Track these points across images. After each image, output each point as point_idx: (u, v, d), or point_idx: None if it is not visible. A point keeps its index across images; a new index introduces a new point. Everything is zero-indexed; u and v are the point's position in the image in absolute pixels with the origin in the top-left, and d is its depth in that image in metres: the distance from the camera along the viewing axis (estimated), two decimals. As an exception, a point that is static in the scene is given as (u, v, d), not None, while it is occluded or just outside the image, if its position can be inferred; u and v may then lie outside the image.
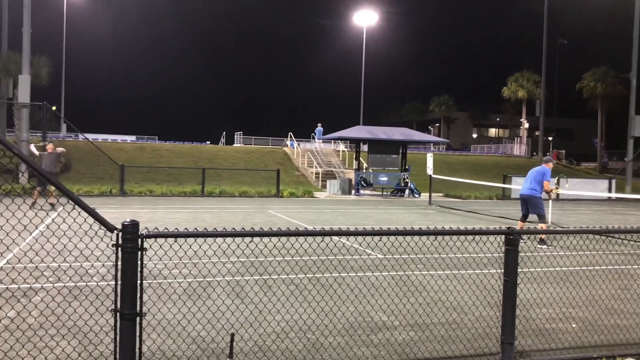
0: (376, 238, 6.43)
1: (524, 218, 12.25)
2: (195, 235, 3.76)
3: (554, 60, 57.64)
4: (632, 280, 7.90)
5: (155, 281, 7.15)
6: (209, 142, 47.31)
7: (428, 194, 24.41)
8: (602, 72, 53.51)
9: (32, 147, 19.07)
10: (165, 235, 3.68)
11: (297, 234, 4.15)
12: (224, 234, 3.83)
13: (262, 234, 4.03)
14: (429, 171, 23.90)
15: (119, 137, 47.13)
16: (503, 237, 4.58)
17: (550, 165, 12.14)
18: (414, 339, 5.17)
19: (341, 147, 39.59)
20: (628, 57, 35.61)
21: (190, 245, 4.85)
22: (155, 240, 3.80)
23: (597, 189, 29.61)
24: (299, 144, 38.77)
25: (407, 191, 28.72)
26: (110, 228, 3.58)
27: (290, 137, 40.01)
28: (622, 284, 7.41)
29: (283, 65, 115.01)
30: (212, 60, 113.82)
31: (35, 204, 14.89)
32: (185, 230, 3.77)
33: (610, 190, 29.59)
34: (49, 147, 17.00)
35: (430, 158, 24.42)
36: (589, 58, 67.35)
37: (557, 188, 13.38)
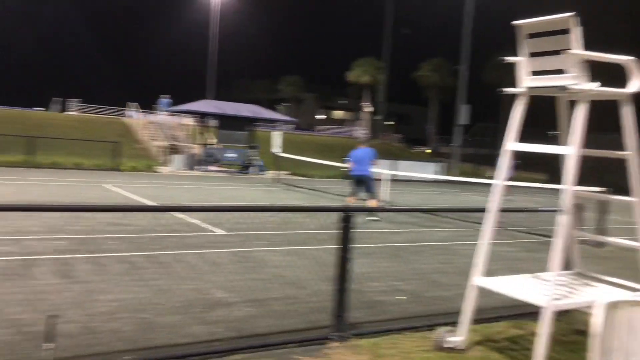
0: (220, 215, 6.38)
1: (354, 194, 13.12)
2: (8, 209, 3.39)
3: (396, 49, 61.04)
4: (454, 255, 8.65)
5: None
6: (40, 109, 43.33)
7: (275, 172, 24.69)
8: (438, 63, 57.80)
9: None
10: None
11: (135, 209, 3.93)
12: (46, 208, 3.50)
13: (94, 209, 3.76)
14: (276, 149, 24.14)
15: None
16: (339, 214, 4.74)
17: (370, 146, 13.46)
18: (251, 314, 5.19)
19: (188, 120, 38.41)
20: (460, 51, 38.74)
21: (10, 220, 4.39)
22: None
23: (429, 171, 32.06)
24: (142, 116, 36.94)
25: (254, 168, 28.79)
26: None
27: (134, 107, 37.96)
28: (446, 259, 8.08)
29: (130, 32, 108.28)
30: (49, 22, 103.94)
31: None
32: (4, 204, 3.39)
33: (439, 173, 32.22)
34: None
35: (277, 136, 24.66)
36: (428, 48, 72.22)
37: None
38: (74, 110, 43.46)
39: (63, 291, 4.98)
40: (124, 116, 39.59)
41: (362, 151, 13.09)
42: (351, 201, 12.92)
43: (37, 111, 39.61)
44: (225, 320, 5.02)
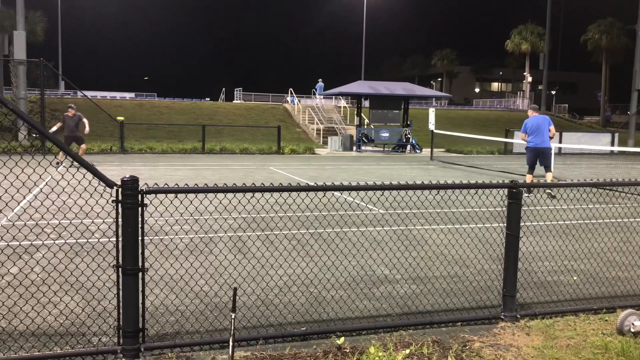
0: (378, 193, 6.42)
1: (531, 171, 12.19)
2: (196, 190, 3.72)
3: (559, 13, 56.58)
4: (633, 233, 7.89)
5: (156, 237, 7.14)
6: (208, 99, 46.89)
7: (429, 150, 24.33)
8: (608, 24, 52.49)
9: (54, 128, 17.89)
10: (166, 191, 3.64)
11: (299, 189, 4.11)
12: (225, 190, 3.79)
13: (263, 190, 3.99)
14: (431, 126, 23.71)
15: (118, 94, 46.66)
16: (506, 190, 4.53)
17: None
18: (416, 292, 5.19)
19: (342, 103, 39.22)
20: (635, 8, 34.83)
21: (192, 202, 4.82)
22: (156, 196, 3.77)
23: (600, 142, 29.47)
24: (299, 100, 38.40)
25: (408, 147, 28.62)
26: (109, 184, 3.54)
27: (291, 93, 39.57)
28: (623, 237, 7.40)
29: (284, 21, 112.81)
30: (212, 17, 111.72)
31: (60, 164, 15.50)
32: (186, 186, 3.73)
33: (612, 144, 29.46)
34: (71, 112, 16.99)
35: (432, 113, 24.20)
36: (595, 10, 66.06)
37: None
38: (239, 99, 46.43)
39: (238, 265, 5.38)
40: (284, 102, 41.42)
41: (537, 120, 11.89)
42: (531, 179, 12.05)
43: (206, 102, 42.87)
44: (390, 296, 5.08)
